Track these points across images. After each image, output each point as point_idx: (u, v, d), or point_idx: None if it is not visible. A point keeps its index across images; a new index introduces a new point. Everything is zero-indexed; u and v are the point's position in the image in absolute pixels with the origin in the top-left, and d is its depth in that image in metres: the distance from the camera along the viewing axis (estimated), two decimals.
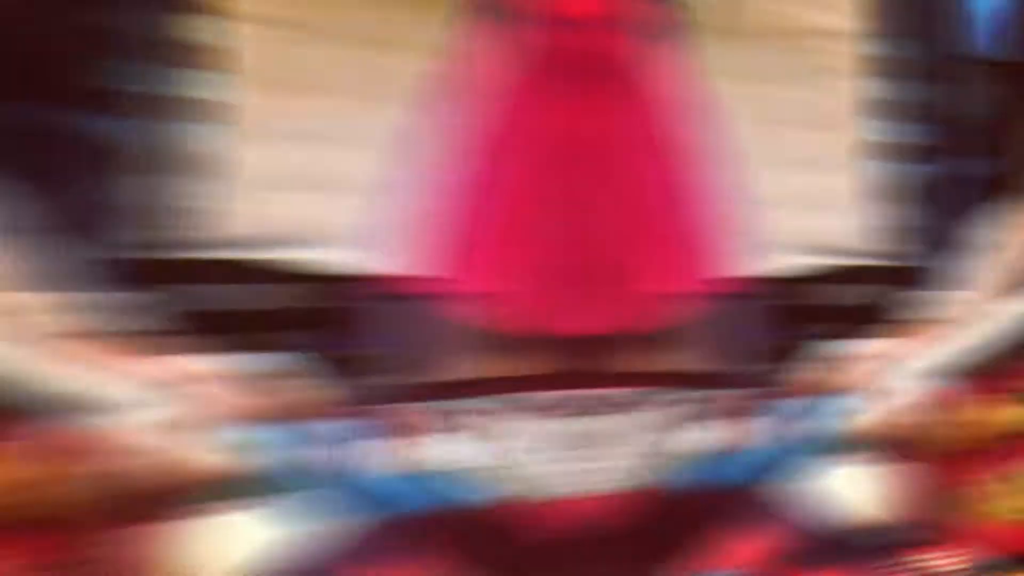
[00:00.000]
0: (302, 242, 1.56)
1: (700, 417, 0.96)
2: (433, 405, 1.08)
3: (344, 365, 1.29)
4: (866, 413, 0.76)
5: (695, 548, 0.76)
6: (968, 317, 1.03)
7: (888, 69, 1.82)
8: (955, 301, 1.10)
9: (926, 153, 1.84)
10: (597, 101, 1.25)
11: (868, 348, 0.83)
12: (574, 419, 0.95)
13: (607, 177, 1.26)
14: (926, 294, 1.11)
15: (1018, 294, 1.06)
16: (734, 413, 0.75)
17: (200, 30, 1.50)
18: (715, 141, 1.43)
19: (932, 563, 0.74)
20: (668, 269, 1.28)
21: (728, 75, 1.73)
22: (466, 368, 1.18)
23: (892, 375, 0.80)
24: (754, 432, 0.72)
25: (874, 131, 1.83)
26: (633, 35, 1.28)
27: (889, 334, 0.91)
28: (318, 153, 1.59)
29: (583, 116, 1.25)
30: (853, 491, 0.83)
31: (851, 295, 1.92)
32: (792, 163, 1.80)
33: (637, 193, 1.28)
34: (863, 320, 1.67)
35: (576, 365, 1.18)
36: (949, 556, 0.75)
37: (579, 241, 1.23)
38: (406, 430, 1.06)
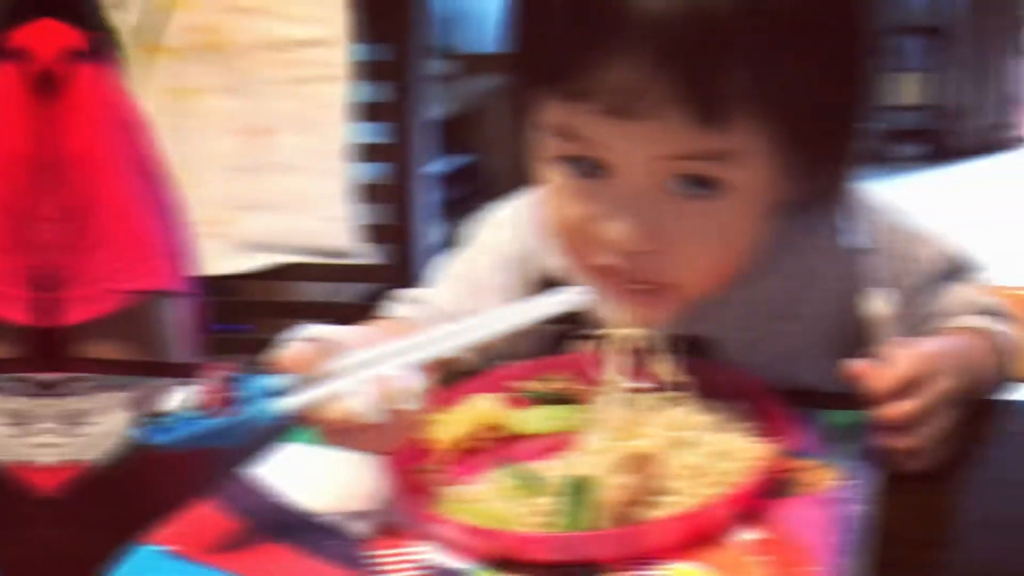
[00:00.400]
0: None
1: (147, 400, 1.05)
2: None
3: None
4: (318, 400, 0.76)
5: (141, 522, 0.79)
6: (443, 315, 1.07)
7: (363, 72, 1.87)
8: (425, 298, 1.15)
9: (397, 152, 1.89)
10: (52, 123, 1.43)
11: (327, 339, 0.82)
12: (32, 398, 1.07)
13: (58, 189, 1.43)
14: (396, 290, 1.17)
15: (506, 294, 1.11)
16: (178, 398, 0.80)
17: None
18: (167, 152, 1.62)
19: (385, 559, 0.74)
20: (119, 270, 1.46)
21: (197, 90, 1.89)
22: None
23: (353, 366, 0.80)
24: (197, 413, 0.76)
25: (352, 133, 1.85)
26: (82, 61, 1.46)
27: (352, 326, 0.92)
28: None
29: (42, 136, 1.43)
30: (301, 476, 0.86)
31: (318, 290, 2.00)
32: (266, 168, 1.86)
33: (88, 202, 1.44)
34: (325, 313, 1.77)
35: (42, 352, 1.37)
36: (405, 554, 0.75)
37: (35, 247, 1.41)
38: None
